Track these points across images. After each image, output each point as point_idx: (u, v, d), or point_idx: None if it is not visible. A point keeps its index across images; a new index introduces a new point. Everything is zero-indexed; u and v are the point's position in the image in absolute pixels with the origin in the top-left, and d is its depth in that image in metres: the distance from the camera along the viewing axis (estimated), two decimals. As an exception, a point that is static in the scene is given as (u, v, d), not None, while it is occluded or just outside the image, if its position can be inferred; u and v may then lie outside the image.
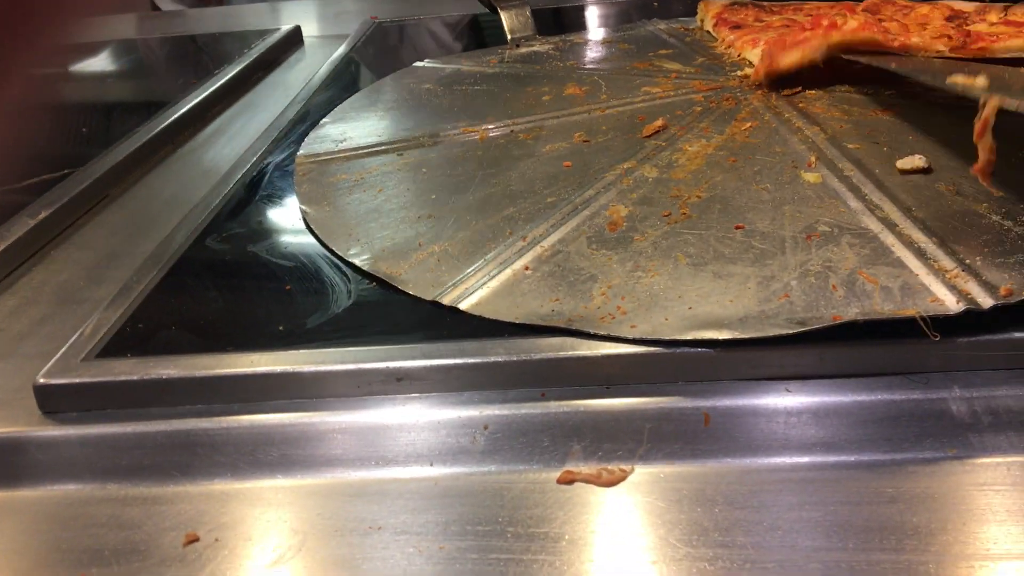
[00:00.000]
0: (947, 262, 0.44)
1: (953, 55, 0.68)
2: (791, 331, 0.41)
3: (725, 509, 0.37)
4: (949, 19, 0.74)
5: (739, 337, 0.41)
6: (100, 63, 1.15)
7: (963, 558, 0.34)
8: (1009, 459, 0.38)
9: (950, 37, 0.69)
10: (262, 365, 0.44)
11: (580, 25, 1.09)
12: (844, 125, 0.63)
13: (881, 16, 0.77)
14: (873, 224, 0.49)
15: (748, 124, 0.65)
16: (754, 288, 0.45)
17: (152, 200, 0.71)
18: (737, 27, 0.84)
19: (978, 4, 0.77)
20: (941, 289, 0.42)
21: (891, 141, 0.59)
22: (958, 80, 0.52)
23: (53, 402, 0.45)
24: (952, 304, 0.41)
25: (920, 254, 0.45)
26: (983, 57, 0.68)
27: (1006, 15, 0.74)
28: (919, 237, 0.47)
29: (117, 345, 0.47)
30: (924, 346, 0.41)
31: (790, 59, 0.68)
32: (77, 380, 0.45)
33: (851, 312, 0.41)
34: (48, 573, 0.38)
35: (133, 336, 0.48)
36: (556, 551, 0.36)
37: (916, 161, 0.54)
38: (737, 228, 0.51)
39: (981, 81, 0.50)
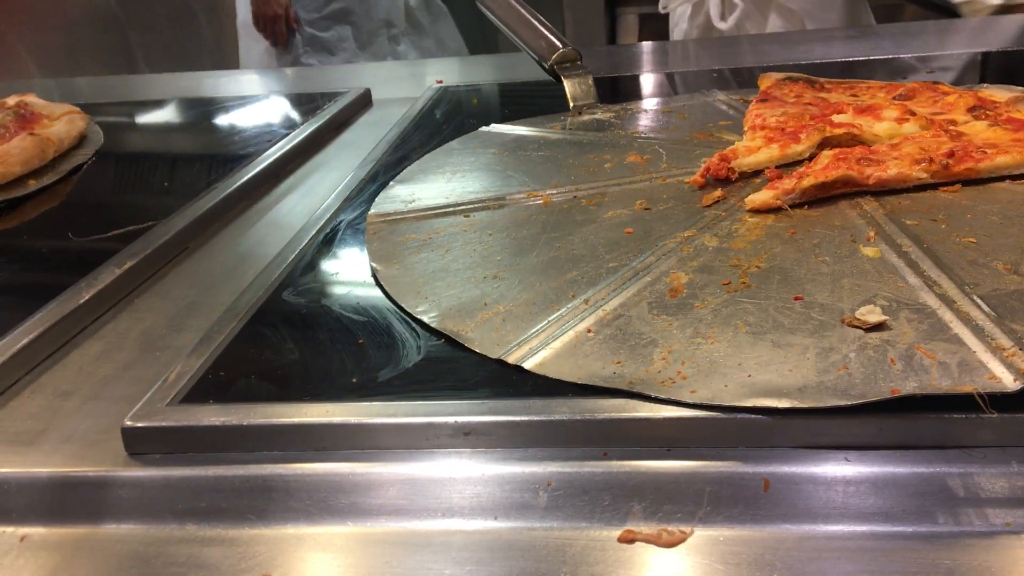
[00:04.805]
0: (1004, 340, 0.45)
1: (935, 181, 0.65)
2: (849, 403, 0.42)
3: (783, 575, 0.38)
4: (972, 109, 0.73)
5: (798, 406, 0.42)
6: (179, 119, 1.21)
7: (1020, 633, 0.34)
8: (1067, 536, 0.39)
9: (932, 160, 0.65)
10: (336, 416, 0.47)
11: (640, 94, 1.12)
12: (904, 201, 0.64)
13: (915, 102, 0.78)
14: (931, 300, 0.50)
15: (809, 197, 0.66)
16: (813, 359, 0.46)
17: (229, 253, 0.75)
18: (764, 100, 0.85)
19: (1014, 94, 0.77)
20: (999, 367, 0.43)
21: (949, 218, 0.60)
22: None
23: (139, 444, 0.47)
24: (1010, 382, 0.42)
25: (978, 331, 0.46)
26: (967, 179, 0.65)
27: (1021, 109, 0.73)
28: (977, 315, 0.48)
29: (200, 392, 0.50)
30: (982, 421, 0.41)
31: (761, 198, 0.65)
32: (162, 424, 0.47)
33: (909, 386, 0.42)
34: (134, 607, 0.40)
35: (215, 383, 0.51)
36: (617, 608, 0.37)
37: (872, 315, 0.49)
38: (796, 299, 0.52)
39: None
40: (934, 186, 0.65)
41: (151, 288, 0.69)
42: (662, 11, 1.72)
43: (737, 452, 0.43)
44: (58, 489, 0.47)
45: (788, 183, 0.65)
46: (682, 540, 0.40)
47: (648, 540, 0.41)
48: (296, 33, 2.36)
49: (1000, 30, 1.31)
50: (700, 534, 0.41)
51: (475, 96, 1.18)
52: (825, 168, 0.66)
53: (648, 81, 1.22)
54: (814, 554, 0.39)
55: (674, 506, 0.42)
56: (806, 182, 0.65)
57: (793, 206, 0.65)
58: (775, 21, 1.58)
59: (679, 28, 1.67)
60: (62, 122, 1.01)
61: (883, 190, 0.66)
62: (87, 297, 0.64)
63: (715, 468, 0.43)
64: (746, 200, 0.66)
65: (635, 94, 1.12)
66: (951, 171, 0.65)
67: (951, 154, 0.65)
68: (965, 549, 0.39)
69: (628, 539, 0.41)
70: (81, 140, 1.01)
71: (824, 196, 0.65)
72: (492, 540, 0.42)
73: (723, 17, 1.59)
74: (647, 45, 1.62)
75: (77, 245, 0.75)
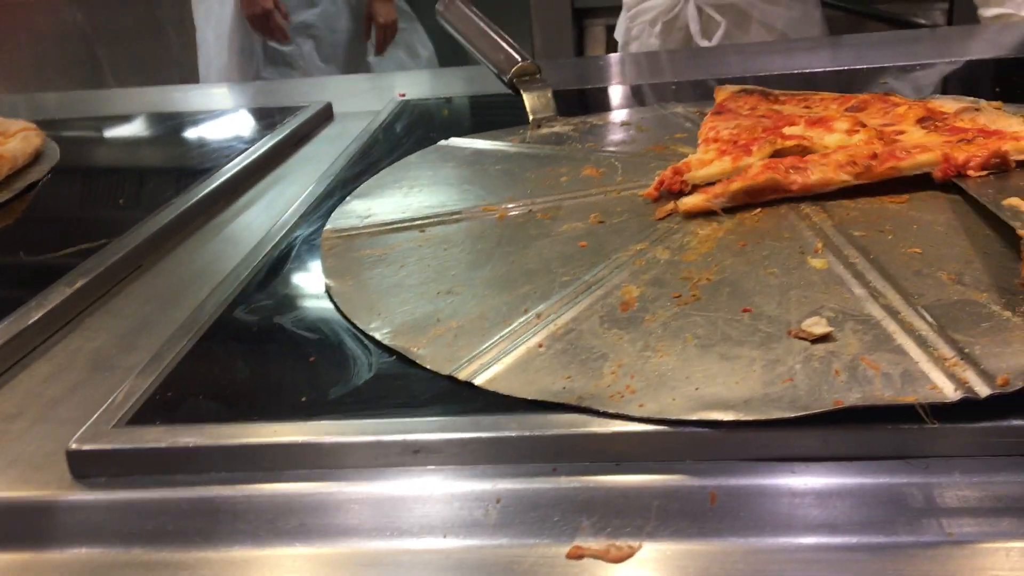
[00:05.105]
0: (946, 350, 0.46)
1: (860, 182, 0.67)
2: (793, 414, 0.42)
3: (729, 587, 0.38)
4: (921, 120, 0.75)
5: (743, 419, 0.43)
6: (137, 134, 1.20)
7: (960, 642, 0.35)
8: (1008, 545, 0.39)
9: (855, 163, 0.67)
10: (284, 435, 0.46)
11: (600, 107, 1.13)
12: (852, 212, 0.65)
13: (866, 113, 0.79)
14: (876, 311, 0.51)
15: (758, 209, 0.67)
16: (759, 371, 0.46)
17: (184, 270, 0.74)
18: (719, 113, 0.86)
19: (963, 104, 0.78)
20: (940, 377, 0.44)
21: (896, 229, 0.61)
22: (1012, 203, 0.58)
23: (84, 467, 0.47)
24: (950, 392, 0.42)
25: (921, 342, 0.47)
26: (891, 178, 0.67)
27: (963, 119, 0.74)
28: (920, 325, 0.49)
29: (147, 413, 0.49)
30: (924, 431, 0.42)
31: (693, 201, 0.68)
32: (108, 447, 0.47)
33: (852, 397, 0.43)
34: (74, 634, 0.39)
35: (162, 404, 0.50)
36: (563, 625, 0.37)
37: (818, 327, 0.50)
38: (744, 311, 0.52)
39: None
40: (871, 191, 0.67)
41: (104, 307, 0.68)
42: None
43: (685, 466, 0.43)
44: (1, 514, 0.46)
45: (719, 187, 0.68)
46: (630, 555, 0.41)
47: (597, 556, 0.41)
48: (267, 42, 2.34)
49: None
50: (649, 548, 0.41)
51: (438, 109, 1.19)
52: (754, 174, 0.68)
53: (609, 93, 1.22)
54: (761, 566, 0.39)
55: (623, 521, 0.42)
56: (734, 186, 0.67)
57: (733, 210, 0.67)
58: (757, 39, 1.59)
59: (640, 42, 1.67)
60: (17, 139, 0.99)
61: (825, 197, 0.67)
62: (36, 317, 0.63)
63: (663, 482, 0.43)
64: (679, 203, 0.68)
65: (597, 106, 1.12)
66: (874, 172, 0.67)
67: (874, 156, 0.67)
68: (910, 560, 0.39)
69: (577, 555, 0.41)
70: (37, 157, 1.00)
71: (755, 201, 0.67)
72: (441, 559, 0.42)
73: (704, 35, 1.60)
74: (613, 57, 1.64)
75: (29, 264, 0.74)
